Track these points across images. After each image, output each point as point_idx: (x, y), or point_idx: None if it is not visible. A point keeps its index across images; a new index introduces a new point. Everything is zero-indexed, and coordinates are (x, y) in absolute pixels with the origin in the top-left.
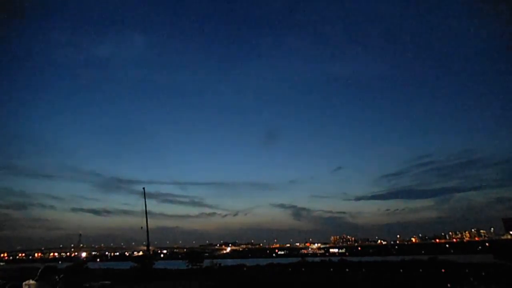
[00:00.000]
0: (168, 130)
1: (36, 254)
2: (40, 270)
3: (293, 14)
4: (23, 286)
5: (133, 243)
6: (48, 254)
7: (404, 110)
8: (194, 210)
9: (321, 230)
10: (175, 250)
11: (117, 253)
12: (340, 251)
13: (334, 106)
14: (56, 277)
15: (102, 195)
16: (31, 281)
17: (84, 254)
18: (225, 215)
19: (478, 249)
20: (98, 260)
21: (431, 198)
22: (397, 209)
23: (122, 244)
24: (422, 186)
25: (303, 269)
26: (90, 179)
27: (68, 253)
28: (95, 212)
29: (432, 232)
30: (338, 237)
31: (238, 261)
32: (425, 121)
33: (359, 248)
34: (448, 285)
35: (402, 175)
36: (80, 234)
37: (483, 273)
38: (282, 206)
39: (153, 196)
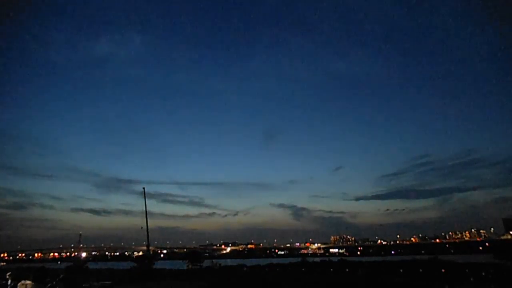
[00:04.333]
0: (168, 130)
1: (36, 254)
2: (33, 272)
3: (293, 13)
4: (19, 286)
5: (133, 243)
6: (48, 254)
7: (404, 110)
8: (194, 210)
9: (321, 230)
10: (175, 250)
11: (117, 253)
12: (340, 251)
13: (334, 106)
14: (57, 278)
15: (101, 195)
16: (27, 281)
17: (84, 254)
18: (225, 215)
19: (478, 249)
20: (98, 260)
21: (431, 198)
22: (397, 209)
23: (122, 244)
24: (422, 186)
25: (303, 269)
26: (90, 179)
27: (68, 253)
28: (95, 212)
29: (432, 232)
30: (338, 237)
31: (238, 261)
32: (424, 121)
33: (359, 248)
34: (448, 285)
35: (402, 175)
36: (80, 234)
37: (483, 273)
38: (282, 206)
39: (153, 196)
